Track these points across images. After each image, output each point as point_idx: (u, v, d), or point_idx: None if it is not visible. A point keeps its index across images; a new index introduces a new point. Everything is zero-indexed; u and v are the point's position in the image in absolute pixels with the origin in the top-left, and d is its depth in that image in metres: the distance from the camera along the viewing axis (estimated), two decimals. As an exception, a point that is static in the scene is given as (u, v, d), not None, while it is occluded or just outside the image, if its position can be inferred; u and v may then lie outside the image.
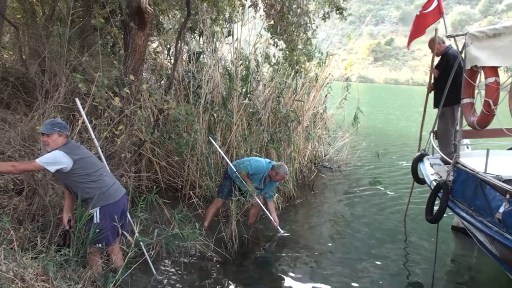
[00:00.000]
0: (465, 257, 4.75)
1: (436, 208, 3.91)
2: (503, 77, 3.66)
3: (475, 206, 3.37)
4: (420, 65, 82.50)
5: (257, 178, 4.77)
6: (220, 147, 5.98)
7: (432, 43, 4.95)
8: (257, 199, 4.86)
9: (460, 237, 5.01)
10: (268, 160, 4.93)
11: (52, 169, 3.11)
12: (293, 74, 7.01)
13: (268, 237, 4.88)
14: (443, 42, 4.97)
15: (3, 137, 4.39)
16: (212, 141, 5.43)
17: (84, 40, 6.88)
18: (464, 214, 3.45)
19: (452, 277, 4.26)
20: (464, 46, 3.84)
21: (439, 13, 4.88)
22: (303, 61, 7.03)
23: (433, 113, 5.25)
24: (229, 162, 5.04)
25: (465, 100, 3.98)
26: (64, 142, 3.24)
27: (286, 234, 4.95)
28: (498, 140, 4.85)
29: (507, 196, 2.92)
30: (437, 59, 5.10)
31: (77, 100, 3.67)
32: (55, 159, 3.11)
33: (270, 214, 4.90)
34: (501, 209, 2.92)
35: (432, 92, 5.06)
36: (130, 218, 3.78)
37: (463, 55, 3.94)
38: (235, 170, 4.75)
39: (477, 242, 3.82)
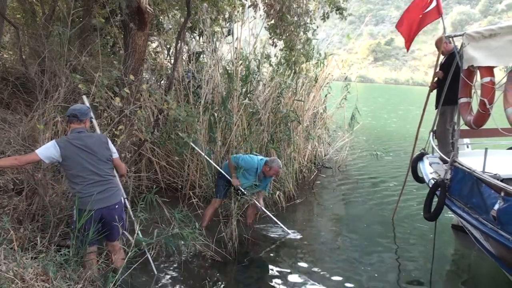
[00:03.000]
0: (464, 256, 4.77)
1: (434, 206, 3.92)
2: (502, 76, 3.67)
3: (472, 204, 3.42)
4: (420, 65, 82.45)
5: (251, 173, 4.77)
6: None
7: (439, 43, 4.95)
8: (255, 201, 4.84)
9: (460, 236, 5.02)
10: (260, 157, 4.91)
11: (47, 161, 3.14)
12: (292, 74, 7.01)
13: (267, 237, 4.88)
14: (450, 42, 4.97)
15: (3, 137, 4.39)
16: (193, 145, 5.35)
17: (84, 40, 6.88)
18: (461, 212, 3.50)
19: (451, 275, 4.27)
20: (462, 46, 3.87)
21: (437, 13, 4.87)
22: (301, 61, 7.02)
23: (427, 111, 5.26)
24: (215, 165, 5.06)
25: (462, 100, 4.03)
26: (71, 130, 3.25)
27: (271, 215, 4.98)
28: (499, 139, 4.87)
29: (502, 194, 2.96)
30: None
31: (84, 97, 3.66)
32: (47, 152, 3.11)
33: (257, 199, 4.90)
34: (496, 207, 2.97)
35: (435, 91, 5.06)
36: (133, 217, 3.77)
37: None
38: (225, 173, 4.78)
39: (474, 239, 3.86)
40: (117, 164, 3.44)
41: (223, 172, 4.83)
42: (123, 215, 3.46)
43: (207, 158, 5.31)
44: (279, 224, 4.98)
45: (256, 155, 5.02)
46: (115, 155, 3.42)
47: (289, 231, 4.97)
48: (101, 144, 3.29)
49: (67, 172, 3.23)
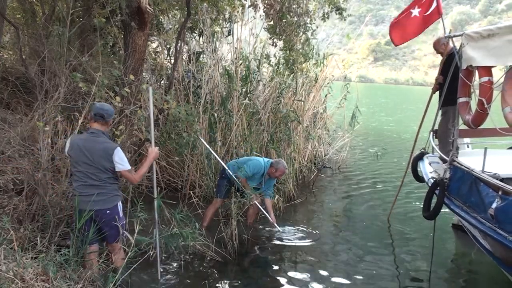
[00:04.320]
0: (464, 255, 4.79)
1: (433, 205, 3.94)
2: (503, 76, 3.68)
3: (470, 203, 3.44)
4: (420, 65, 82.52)
5: (257, 177, 4.77)
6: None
7: (437, 45, 4.94)
8: (256, 202, 4.84)
9: (460, 235, 5.03)
10: (266, 159, 4.92)
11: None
12: (291, 74, 7.01)
13: (267, 237, 4.88)
14: (448, 43, 4.97)
15: (3, 137, 4.38)
16: (207, 145, 5.32)
17: (84, 40, 6.88)
18: (459, 211, 3.52)
19: (450, 274, 4.28)
20: (461, 46, 3.90)
21: (437, 13, 4.87)
22: (299, 61, 7.02)
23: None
24: (224, 165, 4.99)
25: (461, 99, 4.07)
26: (88, 129, 3.35)
27: (285, 235, 4.96)
28: (500, 139, 4.88)
29: (500, 193, 2.98)
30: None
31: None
32: (66, 148, 3.34)
33: (268, 212, 4.90)
34: (494, 205, 2.99)
35: (437, 92, 5.06)
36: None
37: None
38: (231, 173, 4.72)
39: (472, 238, 3.88)
40: (124, 176, 3.32)
41: (228, 171, 4.79)
42: (120, 220, 3.36)
43: (217, 156, 5.25)
44: (291, 241, 4.88)
45: (260, 156, 5.01)
46: (121, 167, 3.24)
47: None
48: (104, 155, 3.20)
49: (71, 167, 3.32)
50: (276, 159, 5.00)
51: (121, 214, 3.42)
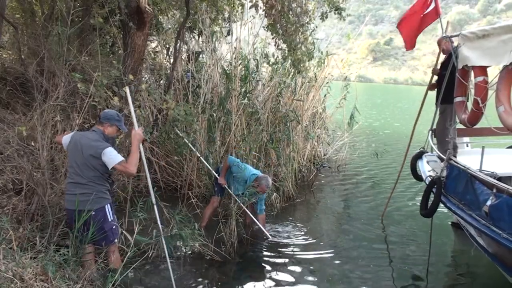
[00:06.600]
0: (462, 253, 4.80)
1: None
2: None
3: (466, 201, 3.48)
4: (419, 64, 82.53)
5: (241, 183, 4.76)
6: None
7: (441, 41, 4.97)
8: (245, 209, 4.83)
9: (459, 233, 5.04)
10: (253, 172, 4.79)
11: (64, 146, 3.45)
12: (293, 73, 7.00)
13: (266, 237, 4.88)
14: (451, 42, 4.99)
15: (2, 137, 4.38)
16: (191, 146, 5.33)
17: (83, 40, 6.87)
18: (455, 209, 3.56)
19: (448, 273, 4.30)
20: (458, 46, 3.94)
21: (436, 14, 4.90)
22: (304, 60, 7.00)
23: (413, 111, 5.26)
24: (213, 172, 5.02)
25: (458, 99, 4.12)
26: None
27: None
28: (499, 138, 4.90)
29: (494, 191, 3.02)
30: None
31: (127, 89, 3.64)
32: (65, 138, 3.42)
33: (261, 226, 4.82)
34: (488, 203, 3.03)
35: (435, 90, 5.07)
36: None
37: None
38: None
39: (469, 236, 3.92)
40: (119, 170, 3.29)
41: (216, 175, 4.86)
42: (105, 224, 3.29)
43: (204, 161, 5.27)
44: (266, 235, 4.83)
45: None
46: (111, 162, 3.20)
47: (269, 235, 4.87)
48: (93, 152, 3.20)
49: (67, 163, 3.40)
50: (263, 175, 4.82)
51: (110, 218, 3.33)
